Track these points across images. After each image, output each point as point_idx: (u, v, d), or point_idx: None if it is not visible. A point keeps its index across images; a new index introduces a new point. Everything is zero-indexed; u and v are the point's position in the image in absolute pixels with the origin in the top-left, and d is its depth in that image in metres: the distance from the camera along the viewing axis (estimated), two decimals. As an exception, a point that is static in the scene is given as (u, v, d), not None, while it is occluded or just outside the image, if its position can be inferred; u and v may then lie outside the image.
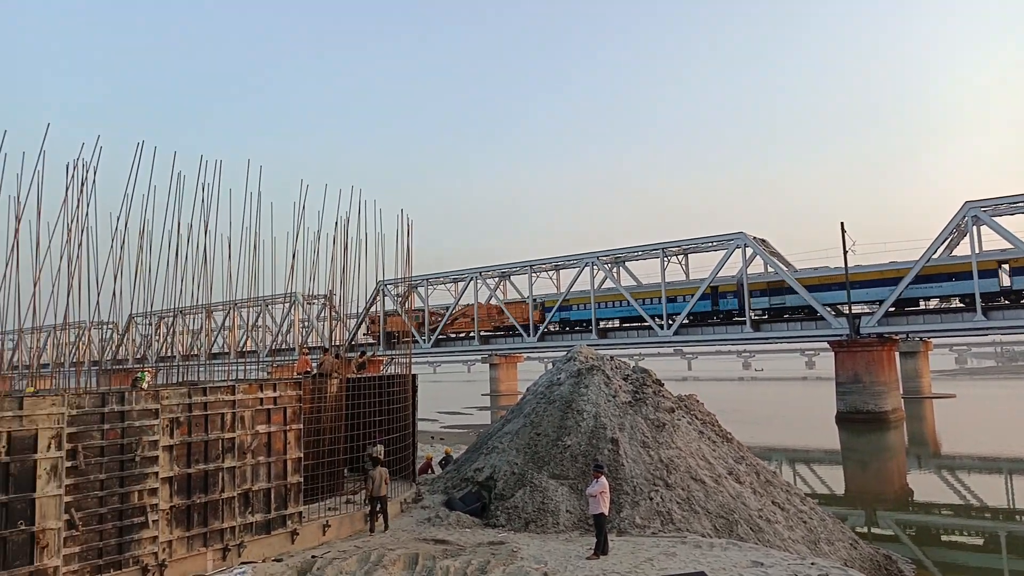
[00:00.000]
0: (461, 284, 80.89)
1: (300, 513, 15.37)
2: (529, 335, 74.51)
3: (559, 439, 18.89)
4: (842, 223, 57.92)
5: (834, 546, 17.40)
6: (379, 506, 16.50)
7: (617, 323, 72.08)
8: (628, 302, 67.95)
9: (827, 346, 60.31)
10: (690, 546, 14.74)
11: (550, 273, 79.95)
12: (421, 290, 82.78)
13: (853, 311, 58.32)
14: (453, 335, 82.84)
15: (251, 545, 14.23)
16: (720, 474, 18.27)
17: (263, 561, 13.85)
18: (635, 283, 72.15)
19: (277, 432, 15.23)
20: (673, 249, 69.01)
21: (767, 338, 64.68)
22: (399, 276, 23.00)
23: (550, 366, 25.78)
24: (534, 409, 20.43)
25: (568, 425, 19.21)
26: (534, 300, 75.74)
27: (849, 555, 17.28)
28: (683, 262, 70.66)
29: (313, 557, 13.76)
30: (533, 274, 76.85)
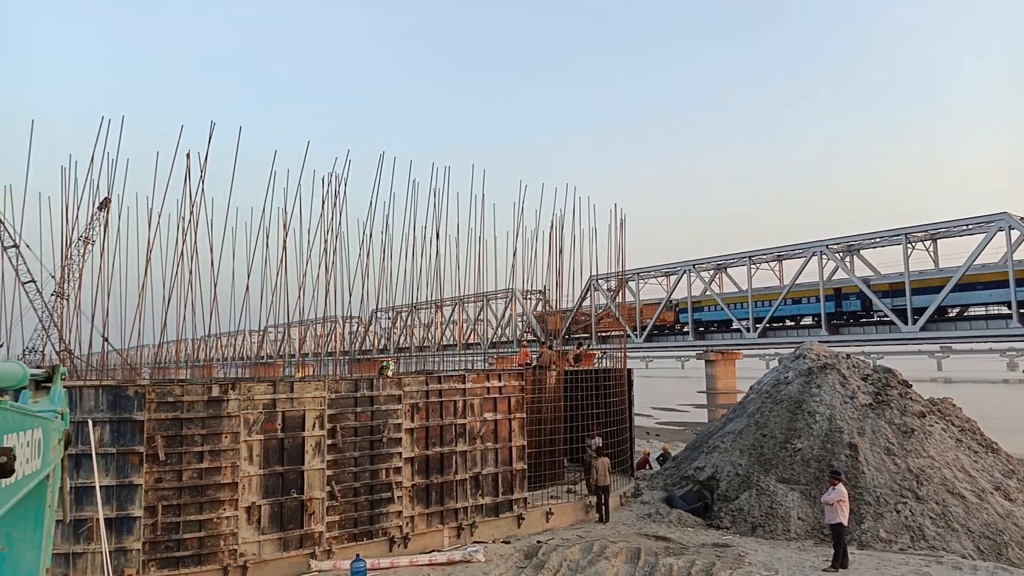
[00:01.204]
0: (674, 278, 79.08)
1: (525, 499, 16.05)
2: (749, 331, 70.84)
3: (788, 441, 17.76)
4: None
5: None
6: (602, 497, 16.70)
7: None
8: (863, 293, 61.83)
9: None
10: (947, 567, 13.09)
11: (771, 264, 75.24)
12: (632, 284, 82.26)
13: None
14: (667, 330, 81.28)
15: (482, 526, 15.13)
16: (984, 489, 16.02)
17: (493, 542, 14.66)
18: (872, 273, 65.44)
19: (503, 420, 16.03)
20: (918, 234, 61.45)
21: (1041, 335, 55.24)
22: (611, 271, 23.07)
23: (774, 363, 24.31)
24: (759, 409, 19.42)
25: (798, 427, 18.00)
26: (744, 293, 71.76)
27: None
28: (930, 248, 62.70)
29: (538, 542, 14.30)
30: (752, 266, 72.86)
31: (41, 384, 4.87)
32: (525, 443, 16.31)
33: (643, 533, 15.52)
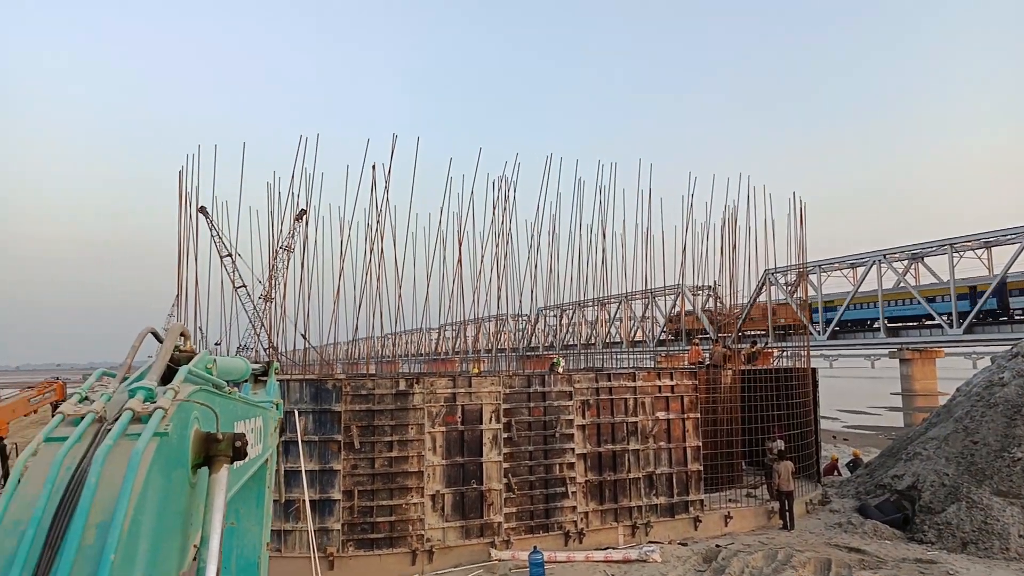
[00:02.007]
0: (861, 269, 72.87)
1: (701, 501, 15.59)
2: (953, 327, 63.68)
3: (1005, 450, 15.78)
4: None
5: None
6: (786, 503, 15.83)
7: None
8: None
9: None
10: None
11: (978, 252, 67.04)
12: (813, 277, 76.91)
13: None
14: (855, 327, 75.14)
15: (657, 526, 14.90)
16: None
17: (669, 543, 14.40)
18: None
19: (676, 419, 15.68)
20: None
21: None
22: (789, 263, 21.76)
23: (983, 363, 21.70)
24: (968, 413, 17.43)
25: (1017, 434, 15.94)
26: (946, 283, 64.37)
27: None
28: None
29: (717, 546, 13.84)
30: (955, 254, 65.37)
31: (258, 378, 5.48)
32: (700, 444, 15.83)
33: (833, 543, 14.49)
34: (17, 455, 15.07)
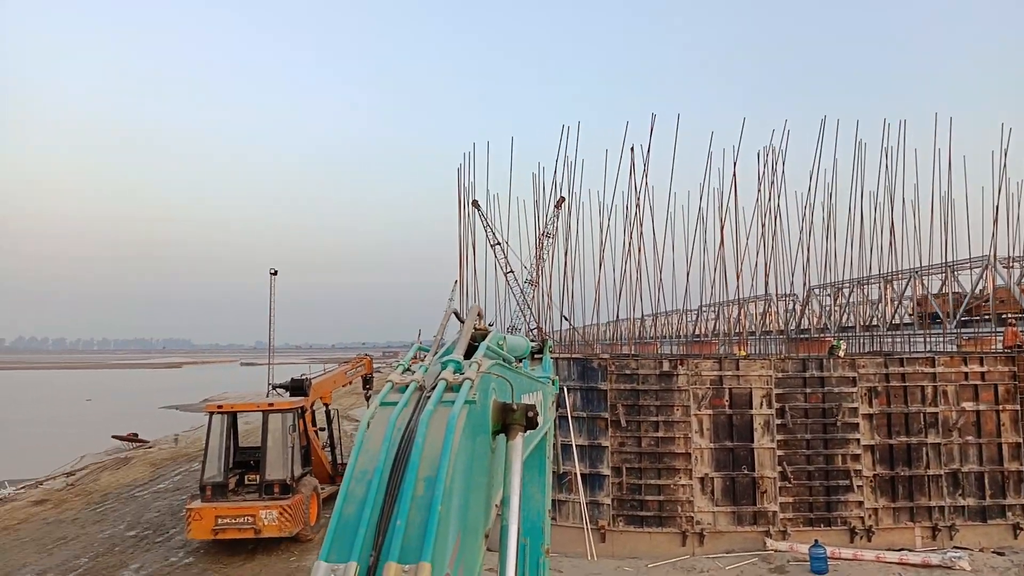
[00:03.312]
0: None
1: (1023, 506, 13.32)
2: None
3: None
4: None
5: None
6: None
7: None
8: None
9: None
10: None
11: None
12: None
13: None
14: None
15: (963, 530, 13.06)
16: None
17: (980, 550, 12.54)
18: None
19: (987, 411, 13.57)
20: None
21: None
22: None
23: None
24: None
25: None
26: None
27: None
28: None
29: (1047, 561, 11.74)
30: None
31: (534, 355, 5.83)
32: (1022, 440, 13.50)
33: None
34: (339, 420, 17.81)
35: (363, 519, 1.80)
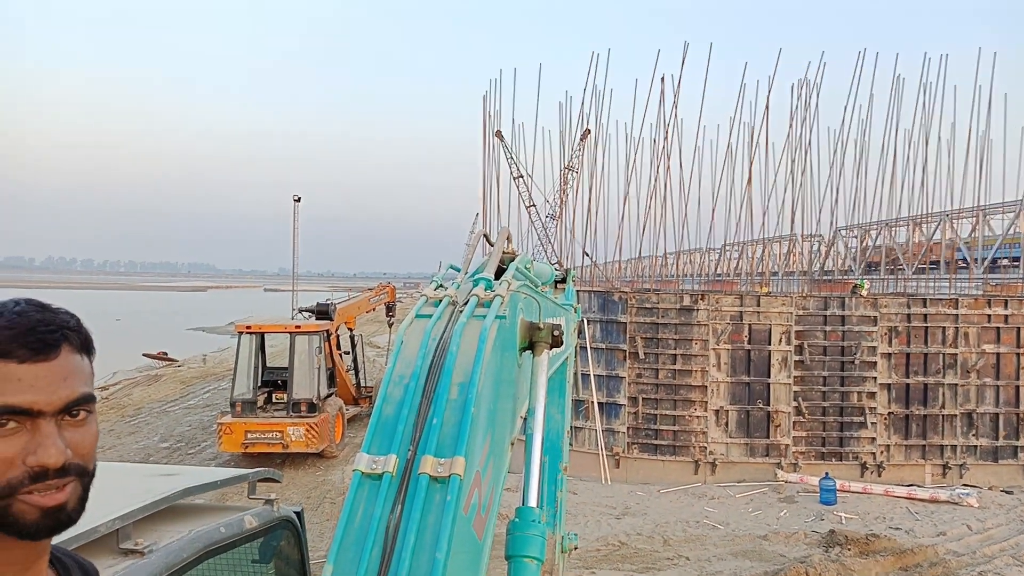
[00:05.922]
0: None
1: (1035, 449, 13.46)
2: None
3: None
4: None
5: None
6: None
7: None
8: None
9: None
10: None
11: None
12: None
13: None
14: None
15: (974, 469, 13.27)
16: None
17: (989, 489, 12.77)
18: None
19: (1008, 354, 13.56)
20: None
21: None
22: None
23: None
24: None
25: None
26: None
27: None
28: None
29: (1054, 501, 11.94)
30: None
31: (557, 284, 5.94)
32: (1040, 384, 13.54)
33: None
34: (363, 345, 18.24)
35: (401, 418, 1.94)
